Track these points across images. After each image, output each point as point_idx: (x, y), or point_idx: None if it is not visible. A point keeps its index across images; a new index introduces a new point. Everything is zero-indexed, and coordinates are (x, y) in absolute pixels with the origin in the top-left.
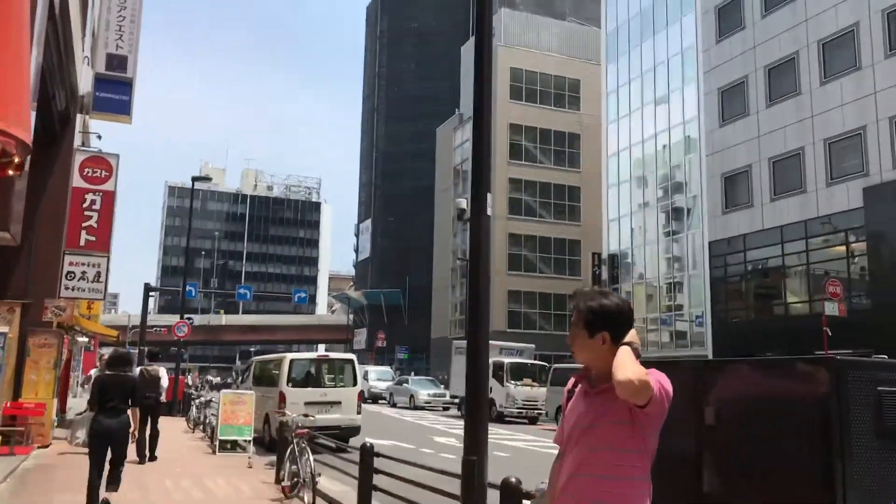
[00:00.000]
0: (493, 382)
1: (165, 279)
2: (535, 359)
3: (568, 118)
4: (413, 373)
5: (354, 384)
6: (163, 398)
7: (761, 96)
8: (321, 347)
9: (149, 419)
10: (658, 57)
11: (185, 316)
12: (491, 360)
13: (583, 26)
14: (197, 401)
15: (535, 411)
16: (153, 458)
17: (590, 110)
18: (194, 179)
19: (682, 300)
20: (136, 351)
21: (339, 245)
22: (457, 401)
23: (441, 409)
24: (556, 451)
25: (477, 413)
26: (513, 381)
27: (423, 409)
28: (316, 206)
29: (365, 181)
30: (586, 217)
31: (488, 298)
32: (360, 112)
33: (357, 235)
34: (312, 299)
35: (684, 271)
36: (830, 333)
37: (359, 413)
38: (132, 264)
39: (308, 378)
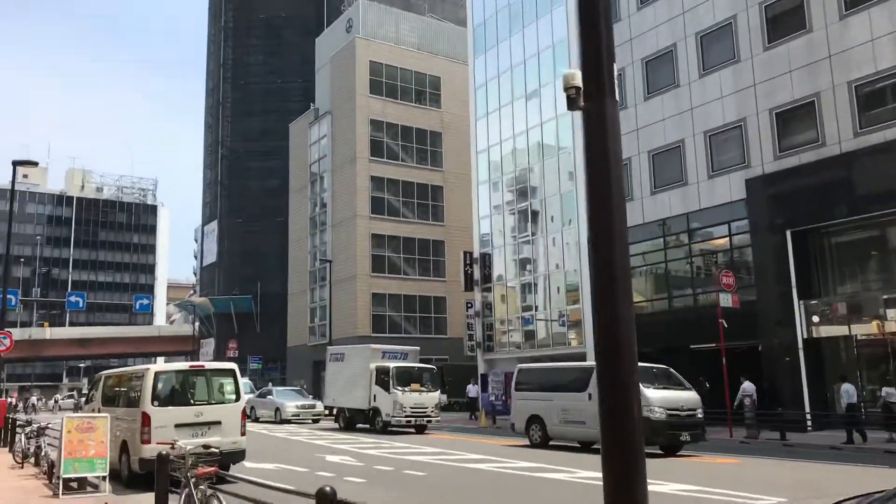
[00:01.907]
0: (377, 389)
1: None
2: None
3: (429, 115)
4: (270, 383)
5: (237, 399)
6: None
7: (639, 89)
8: (160, 360)
9: None
10: (528, 51)
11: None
12: (374, 366)
13: (442, 23)
14: (27, 428)
15: (425, 419)
16: None
17: (451, 108)
18: (15, 164)
19: (553, 299)
20: None
21: (177, 251)
22: (328, 413)
23: (311, 421)
24: (476, 466)
25: (630, 448)
26: (400, 388)
27: (290, 422)
28: (152, 209)
29: (210, 180)
30: (450, 217)
31: (625, 239)
32: (203, 107)
33: (200, 239)
34: (149, 309)
35: (558, 269)
36: (727, 325)
37: (243, 434)
38: None
39: (175, 394)
